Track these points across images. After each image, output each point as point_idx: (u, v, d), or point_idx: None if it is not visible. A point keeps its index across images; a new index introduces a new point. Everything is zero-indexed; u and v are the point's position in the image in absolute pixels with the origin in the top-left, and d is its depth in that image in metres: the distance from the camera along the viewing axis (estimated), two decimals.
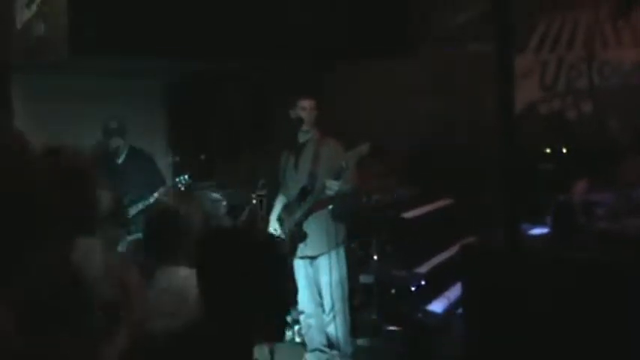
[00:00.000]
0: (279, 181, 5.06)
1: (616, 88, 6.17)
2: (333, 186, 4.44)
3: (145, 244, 2.75)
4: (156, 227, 2.71)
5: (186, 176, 5.49)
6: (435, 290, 5.58)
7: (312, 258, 4.86)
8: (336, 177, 4.44)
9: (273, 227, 4.96)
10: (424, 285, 5.47)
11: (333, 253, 4.77)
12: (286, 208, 4.93)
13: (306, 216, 4.75)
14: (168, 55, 5.37)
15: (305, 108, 4.81)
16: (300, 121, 4.81)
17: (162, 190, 5.39)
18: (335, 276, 4.78)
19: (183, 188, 5.51)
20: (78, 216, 1.96)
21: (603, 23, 6.19)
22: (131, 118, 5.71)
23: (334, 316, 4.83)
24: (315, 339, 4.99)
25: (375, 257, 5.51)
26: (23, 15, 5.34)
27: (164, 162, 6.31)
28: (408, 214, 5.86)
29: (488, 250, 3.84)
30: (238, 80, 7.35)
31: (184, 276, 2.50)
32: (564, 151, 6.08)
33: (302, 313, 5.04)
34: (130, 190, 5.26)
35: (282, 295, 1.86)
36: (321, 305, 4.93)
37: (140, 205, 5.29)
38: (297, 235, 4.78)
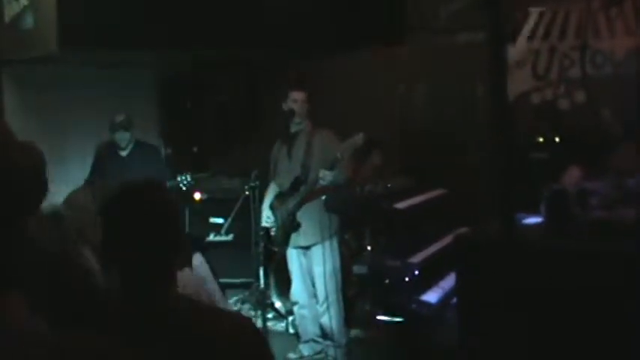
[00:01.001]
0: (271, 170, 5.06)
1: (608, 77, 6.17)
2: (326, 176, 4.45)
3: None
4: None
5: (187, 176, 5.43)
6: (428, 280, 5.58)
7: (306, 248, 4.87)
8: (331, 167, 4.46)
9: (266, 215, 4.96)
10: (418, 275, 5.46)
11: (327, 244, 4.77)
12: (278, 197, 4.93)
13: (299, 206, 4.75)
14: (157, 48, 5.33)
15: (296, 100, 4.82)
16: (292, 113, 4.81)
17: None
18: (328, 266, 4.78)
19: (184, 189, 5.48)
20: None
21: (596, 12, 6.18)
22: (123, 110, 5.67)
23: (328, 307, 4.83)
24: (309, 330, 5.00)
25: (369, 248, 5.51)
26: (12, 8, 5.29)
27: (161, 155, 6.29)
28: (402, 205, 5.85)
29: (481, 239, 3.84)
30: (230, 72, 7.32)
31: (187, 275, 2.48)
32: (557, 140, 6.09)
33: (295, 303, 5.05)
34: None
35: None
36: (315, 296, 4.93)
37: None
38: (290, 225, 4.78)
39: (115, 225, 1.71)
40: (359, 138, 4.44)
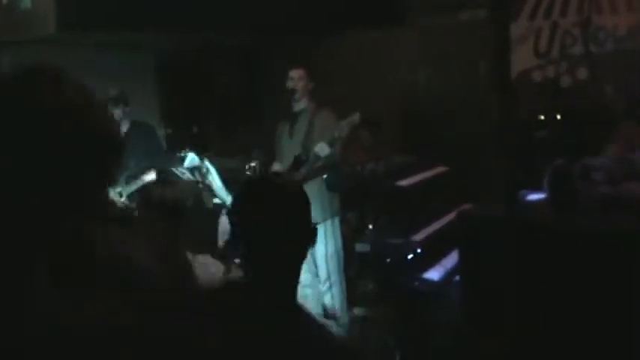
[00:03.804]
0: (274, 150, 5.06)
1: (610, 54, 6.15)
2: (324, 149, 4.47)
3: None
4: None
5: (187, 152, 5.31)
6: (431, 258, 5.58)
7: None
8: (329, 146, 4.49)
9: None
10: (420, 253, 5.47)
11: (329, 223, 4.77)
12: None
13: None
14: (156, 29, 5.29)
15: (293, 78, 4.82)
16: (293, 91, 4.80)
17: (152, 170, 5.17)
18: (330, 246, 4.78)
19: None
20: None
21: None
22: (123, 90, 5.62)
23: (330, 286, 4.84)
24: (312, 309, 5.00)
25: (371, 226, 5.50)
26: None
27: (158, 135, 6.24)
28: (404, 183, 5.84)
29: (484, 216, 3.83)
30: (230, 51, 7.29)
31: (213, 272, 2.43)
32: (559, 117, 6.07)
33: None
34: (130, 164, 5.11)
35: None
36: (317, 275, 4.94)
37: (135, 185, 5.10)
38: None
39: (251, 217, 1.66)
40: (356, 117, 4.48)
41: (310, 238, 1.73)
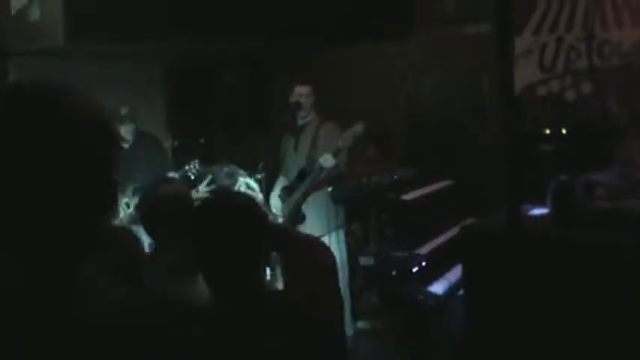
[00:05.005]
0: (280, 163, 5.07)
1: (615, 68, 6.15)
2: (328, 160, 4.49)
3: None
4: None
5: (196, 164, 5.28)
6: (435, 272, 5.57)
7: None
8: (334, 157, 4.52)
9: (274, 204, 4.97)
10: (424, 266, 5.46)
11: (333, 236, 4.77)
12: (285, 189, 4.94)
13: (304, 197, 4.76)
14: (163, 40, 5.32)
15: (301, 94, 4.84)
16: (298, 105, 4.83)
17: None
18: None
19: (193, 177, 5.37)
20: None
21: (602, 3, 6.15)
22: (130, 102, 5.67)
23: None
24: None
25: (375, 239, 5.50)
26: (18, 0, 5.29)
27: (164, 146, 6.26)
28: (408, 196, 5.84)
29: (488, 231, 3.84)
30: (237, 63, 7.32)
31: None
32: (563, 132, 6.08)
33: None
34: (137, 175, 5.13)
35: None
36: None
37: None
38: (296, 217, 4.79)
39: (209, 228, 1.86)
40: (359, 127, 4.50)
41: (259, 249, 1.91)
